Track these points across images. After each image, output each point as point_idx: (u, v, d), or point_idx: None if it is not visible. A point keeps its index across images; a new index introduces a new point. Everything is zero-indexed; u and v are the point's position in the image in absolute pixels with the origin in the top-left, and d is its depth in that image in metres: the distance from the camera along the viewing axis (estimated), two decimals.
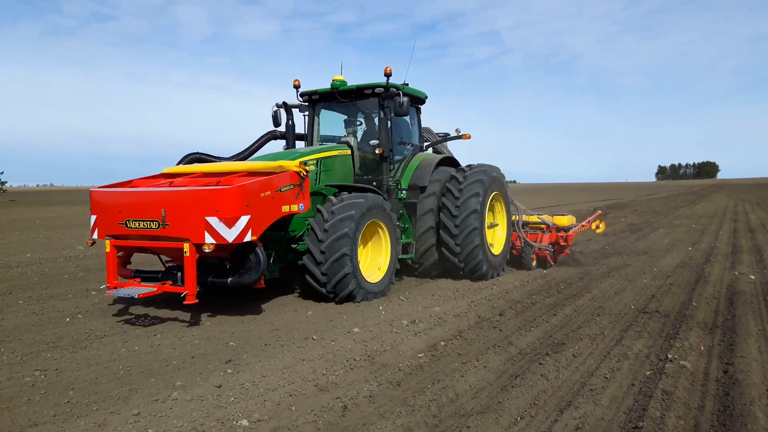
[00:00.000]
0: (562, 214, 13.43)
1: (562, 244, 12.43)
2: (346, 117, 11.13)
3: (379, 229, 9.16)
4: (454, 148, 12.68)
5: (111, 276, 7.71)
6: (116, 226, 7.58)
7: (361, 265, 8.78)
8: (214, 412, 4.45)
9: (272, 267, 8.35)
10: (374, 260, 9.31)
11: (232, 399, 4.72)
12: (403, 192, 10.29)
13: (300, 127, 11.23)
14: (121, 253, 8.11)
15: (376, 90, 10.03)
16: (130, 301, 8.62)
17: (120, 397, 4.83)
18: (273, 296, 9.19)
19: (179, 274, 7.52)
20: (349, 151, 10.13)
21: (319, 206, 8.62)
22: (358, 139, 10.81)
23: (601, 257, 13.40)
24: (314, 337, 6.58)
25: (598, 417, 4.37)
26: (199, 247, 7.02)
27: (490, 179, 10.73)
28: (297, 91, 10.89)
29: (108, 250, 7.70)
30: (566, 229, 12.62)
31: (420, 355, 5.89)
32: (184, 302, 6.99)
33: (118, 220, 7.53)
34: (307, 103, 11.03)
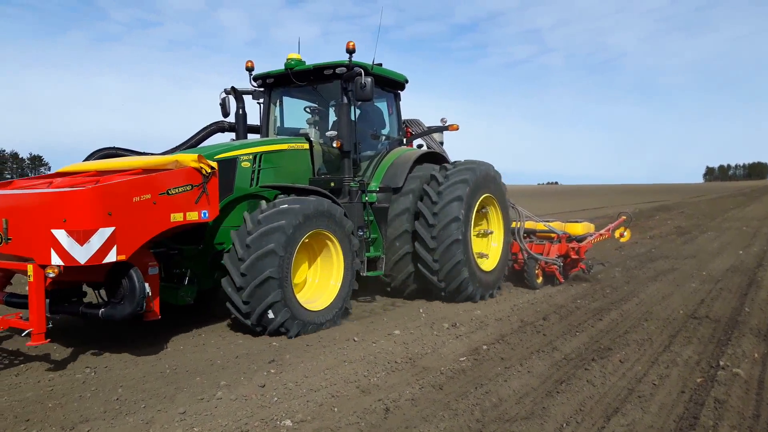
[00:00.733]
0: (576, 221, 11.44)
1: (573, 257, 10.25)
2: (309, 105, 9.44)
3: (328, 242, 7.36)
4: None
5: None
6: None
7: (305, 289, 7.37)
8: (258, 411, 4.50)
9: (186, 290, 6.91)
10: (325, 281, 7.49)
11: (276, 399, 4.76)
12: (373, 195, 8.53)
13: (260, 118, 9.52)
14: None
15: (338, 70, 8.22)
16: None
17: (166, 395, 4.92)
18: None
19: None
20: (305, 145, 8.32)
21: (245, 214, 6.89)
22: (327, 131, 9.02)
23: (648, 261, 13.07)
24: (355, 339, 6.59)
25: (647, 425, 4.25)
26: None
27: (477, 179, 8.83)
28: (250, 75, 9.22)
29: None
30: (579, 239, 10.53)
31: (462, 359, 5.84)
32: (28, 343, 5.42)
33: None
34: (262, 89, 9.31)
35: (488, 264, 9.29)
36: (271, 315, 6.53)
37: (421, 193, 8.71)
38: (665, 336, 6.70)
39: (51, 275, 5.32)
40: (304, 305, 6.93)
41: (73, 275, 5.59)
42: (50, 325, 5.46)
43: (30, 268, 5.35)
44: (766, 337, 6.55)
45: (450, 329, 6.99)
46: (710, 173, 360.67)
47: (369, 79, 7.84)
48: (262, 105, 9.36)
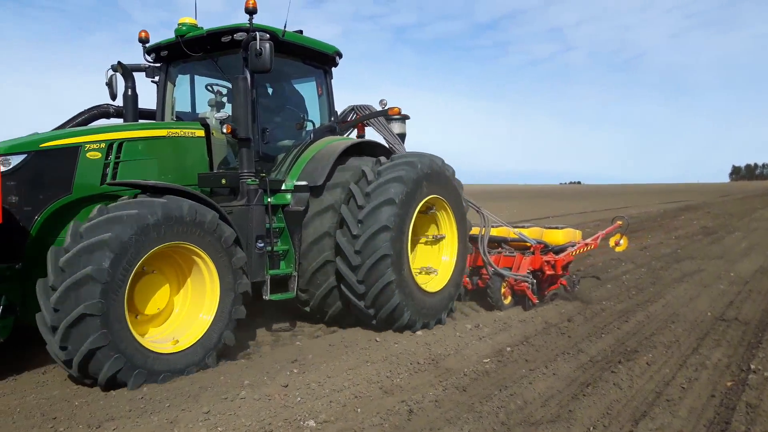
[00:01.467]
0: (557, 227, 9.62)
1: (548, 272, 8.49)
2: (211, 82, 7.52)
3: (196, 259, 5.60)
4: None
5: None
6: None
7: (166, 323, 5.72)
8: (282, 411, 4.50)
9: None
10: (194, 310, 5.75)
11: (299, 399, 4.75)
12: (286, 195, 6.90)
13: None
14: None
15: (236, 36, 6.61)
16: None
17: (191, 394, 4.94)
18: None
19: None
20: (200, 132, 6.69)
21: (71, 224, 5.19)
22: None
23: (673, 261, 12.86)
24: (377, 339, 6.57)
25: (677, 429, 4.18)
26: None
27: (419, 175, 6.95)
28: (144, 49, 7.53)
29: None
30: (556, 250, 8.79)
31: (485, 361, 5.79)
32: None
33: None
34: (158, 65, 7.61)
35: (435, 282, 7.47)
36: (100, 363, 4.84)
37: (349, 195, 6.97)
38: (693, 338, 6.58)
39: None
40: (153, 346, 5.24)
41: None
42: None
43: None
44: None
45: (473, 330, 6.94)
46: (736, 172, 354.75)
47: (267, 45, 6.24)
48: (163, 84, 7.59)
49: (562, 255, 8.65)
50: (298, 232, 6.88)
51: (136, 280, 5.22)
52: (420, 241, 7.83)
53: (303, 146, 7.36)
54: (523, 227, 9.36)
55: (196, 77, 7.77)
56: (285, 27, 6.95)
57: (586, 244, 9.18)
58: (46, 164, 5.53)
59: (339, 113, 8.43)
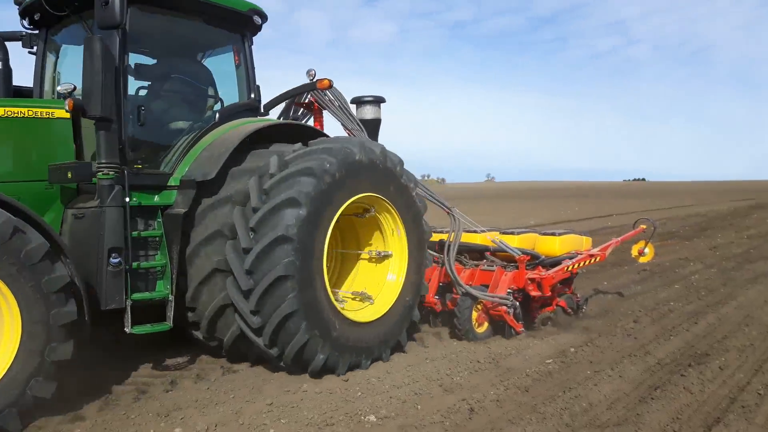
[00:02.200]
0: (553, 233, 7.47)
1: (532, 292, 6.67)
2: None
3: None
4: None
5: None
6: None
7: None
8: (343, 405, 4.54)
9: None
10: None
11: (360, 394, 4.79)
12: (170, 193, 5.43)
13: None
14: None
15: None
16: None
17: (255, 386, 5.05)
18: None
19: None
20: (61, 112, 5.05)
21: None
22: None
23: (746, 262, 12.28)
24: (438, 337, 6.54)
25: None
26: None
27: (342, 166, 5.27)
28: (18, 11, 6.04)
29: None
30: (547, 263, 7.02)
31: (548, 361, 5.67)
32: None
33: None
34: (36, 31, 6.17)
35: (371, 310, 5.76)
36: None
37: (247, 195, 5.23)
38: None
39: None
40: None
41: None
42: None
43: None
44: None
45: (533, 330, 6.82)
46: None
47: None
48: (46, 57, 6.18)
49: (552, 271, 6.81)
50: (178, 241, 5.20)
51: None
52: (363, 257, 6.20)
53: (202, 131, 5.79)
54: (512, 233, 7.25)
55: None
56: None
57: (591, 256, 7.26)
58: None
59: (291, 92, 7.00)
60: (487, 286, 6.61)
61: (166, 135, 5.84)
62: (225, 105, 6.35)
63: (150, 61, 6.31)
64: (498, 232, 7.27)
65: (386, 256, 6.00)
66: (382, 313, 5.72)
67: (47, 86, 6.12)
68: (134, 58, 5.86)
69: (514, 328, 6.47)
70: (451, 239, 6.75)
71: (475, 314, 6.45)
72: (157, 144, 5.75)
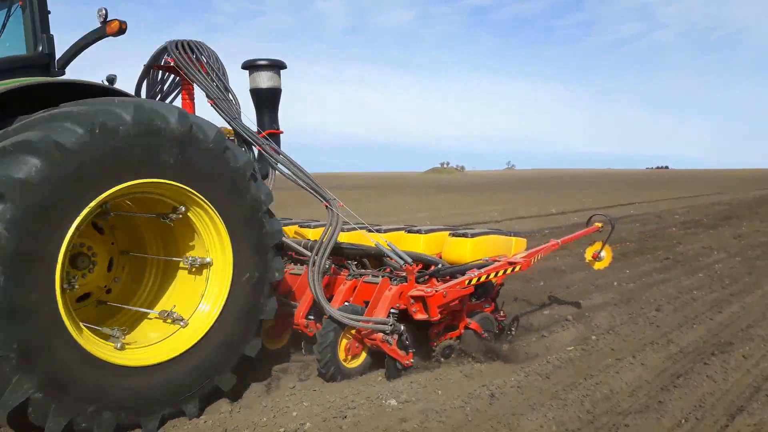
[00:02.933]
0: (464, 233, 5.68)
1: (416, 315, 4.87)
2: None
3: None
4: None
5: None
6: None
7: None
8: (364, 390, 4.59)
9: None
10: None
11: (380, 378, 4.84)
12: None
13: None
14: None
15: None
16: None
17: (279, 369, 5.13)
18: None
19: None
20: None
21: None
22: None
23: None
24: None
25: None
26: None
27: (91, 141, 3.52)
28: None
29: None
30: (445, 273, 5.28)
31: (569, 348, 5.66)
32: None
33: None
34: None
35: (179, 339, 4.21)
36: None
37: None
38: None
39: None
40: None
41: None
42: None
43: None
44: None
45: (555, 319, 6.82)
46: None
47: None
48: None
49: (448, 285, 4.93)
50: None
51: None
52: (181, 266, 4.56)
53: None
54: (418, 232, 5.73)
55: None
56: None
57: (510, 264, 5.39)
58: None
59: (151, 56, 5.43)
60: (362, 307, 5.03)
61: None
62: None
63: None
64: (404, 231, 5.86)
65: (205, 266, 4.38)
66: (190, 345, 4.12)
67: None
68: None
69: (399, 361, 4.89)
70: (324, 240, 5.00)
71: (344, 342, 4.94)
72: None
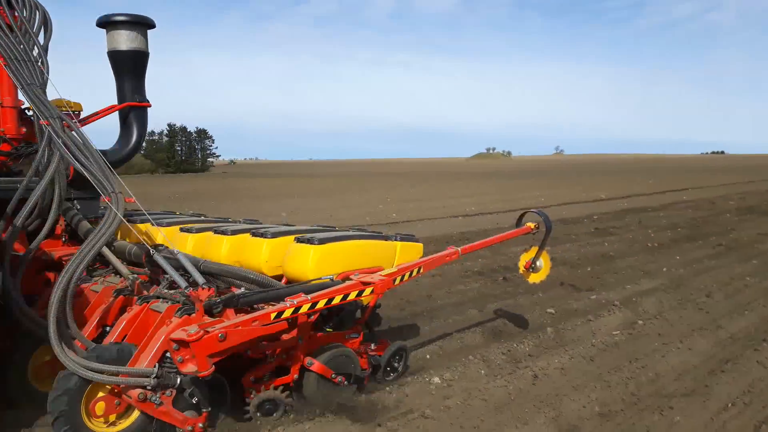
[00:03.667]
0: (263, 235, 4.22)
1: (182, 368, 3.14)
2: None
3: None
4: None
5: None
6: None
7: None
8: (409, 366, 4.68)
9: None
10: None
11: (427, 356, 4.93)
12: None
13: None
14: None
15: None
16: None
17: None
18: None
19: None
20: None
21: None
22: None
23: None
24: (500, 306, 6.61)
25: None
26: None
27: None
28: None
29: None
30: (243, 302, 3.54)
31: (615, 333, 5.63)
32: None
33: None
34: None
35: None
36: None
37: None
38: None
39: None
40: None
41: None
42: None
43: None
44: None
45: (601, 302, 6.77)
46: None
47: None
48: None
49: (233, 322, 3.27)
50: None
51: None
52: None
53: None
54: (263, 235, 4.22)
55: None
56: None
57: (362, 285, 3.74)
58: None
59: None
60: (129, 350, 3.40)
61: None
62: None
63: None
64: (212, 232, 4.49)
65: None
66: None
67: None
68: None
69: (174, 425, 3.33)
70: (85, 246, 3.54)
71: (100, 394, 3.33)
72: None
